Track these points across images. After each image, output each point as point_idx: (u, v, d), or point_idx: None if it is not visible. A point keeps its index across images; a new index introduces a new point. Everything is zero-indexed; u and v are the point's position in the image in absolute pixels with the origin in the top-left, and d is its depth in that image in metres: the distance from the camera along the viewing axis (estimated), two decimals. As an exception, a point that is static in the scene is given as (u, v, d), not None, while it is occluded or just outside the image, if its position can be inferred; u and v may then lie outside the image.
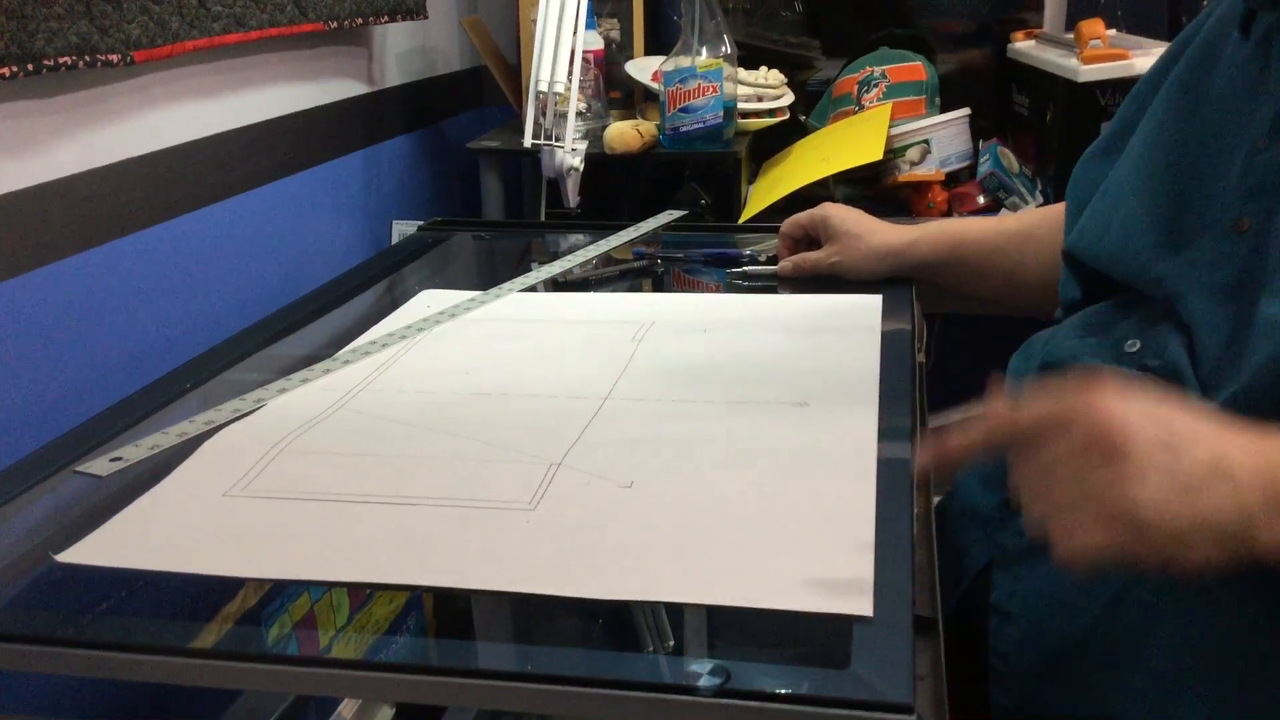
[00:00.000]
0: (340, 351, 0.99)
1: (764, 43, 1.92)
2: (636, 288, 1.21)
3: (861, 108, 1.71)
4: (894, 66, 1.72)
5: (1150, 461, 0.57)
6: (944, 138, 1.64)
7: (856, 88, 1.72)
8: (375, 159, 1.62)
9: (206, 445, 0.81)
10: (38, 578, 0.68)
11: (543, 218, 1.53)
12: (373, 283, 1.25)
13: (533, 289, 1.17)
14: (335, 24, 1.40)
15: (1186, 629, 0.69)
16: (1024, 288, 1.05)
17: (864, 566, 0.62)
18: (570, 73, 1.44)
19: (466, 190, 1.88)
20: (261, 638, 0.62)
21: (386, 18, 1.55)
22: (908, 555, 0.63)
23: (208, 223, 1.22)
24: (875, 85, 1.71)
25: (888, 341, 0.97)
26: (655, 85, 1.63)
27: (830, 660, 0.56)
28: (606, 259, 1.28)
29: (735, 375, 0.91)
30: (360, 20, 1.47)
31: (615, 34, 1.78)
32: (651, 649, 0.59)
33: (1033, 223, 1.06)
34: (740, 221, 1.53)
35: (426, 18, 1.68)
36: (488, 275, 1.31)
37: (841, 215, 1.13)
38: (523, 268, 1.26)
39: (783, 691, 0.53)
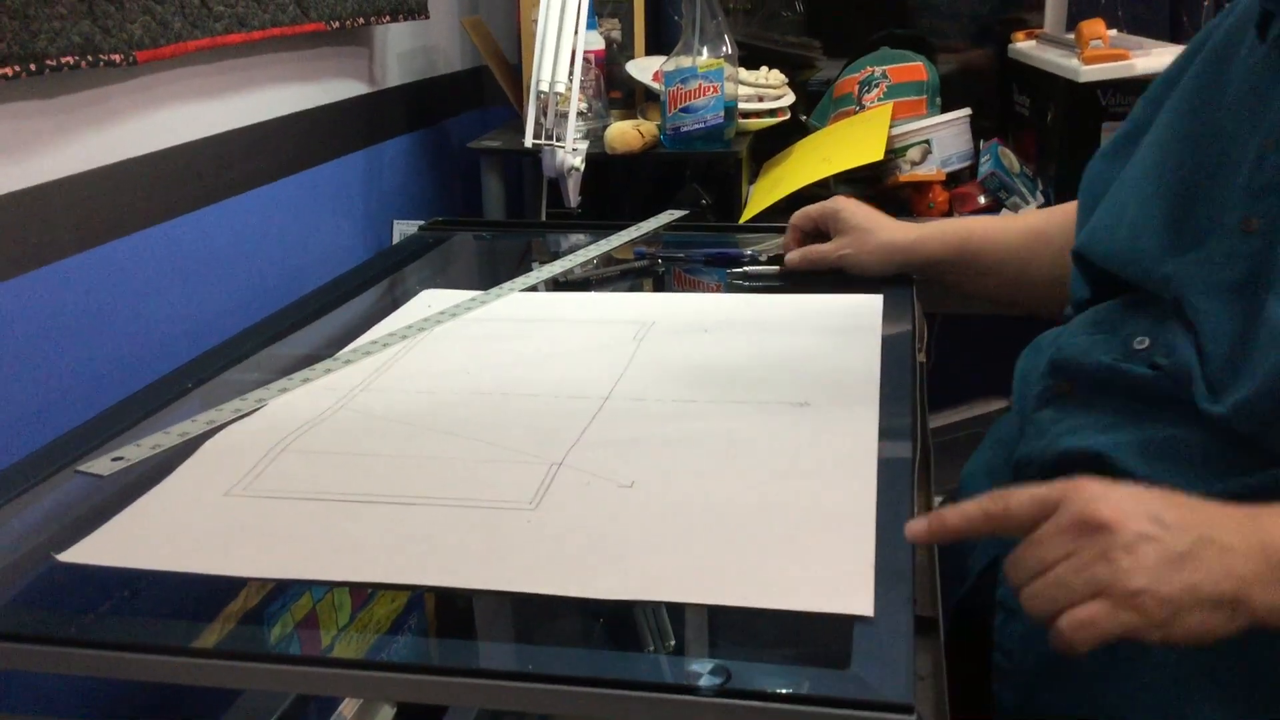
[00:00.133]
0: (341, 351, 0.99)
1: (765, 43, 1.92)
2: (637, 288, 1.22)
3: (862, 108, 1.71)
4: (895, 66, 1.72)
5: (1138, 534, 0.58)
6: (945, 138, 1.64)
7: (857, 88, 1.72)
8: (376, 159, 1.62)
9: (208, 445, 0.81)
10: (39, 577, 0.68)
11: (544, 217, 1.53)
12: (374, 282, 1.25)
13: (534, 289, 1.17)
14: (337, 24, 1.40)
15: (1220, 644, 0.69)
16: (1033, 287, 1.05)
17: (864, 566, 0.62)
18: (571, 73, 1.44)
19: (467, 190, 1.88)
20: (264, 637, 0.62)
21: (388, 17, 1.55)
22: (908, 555, 0.63)
23: (209, 222, 1.22)
24: (876, 85, 1.71)
25: (888, 341, 0.97)
26: (656, 85, 1.63)
27: (831, 660, 0.56)
28: (607, 259, 1.28)
29: (736, 375, 0.91)
30: (362, 20, 1.47)
31: (616, 34, 1.78)
32: (652, 649, 0.59)
33: (1043, 222, 1.06)
34: (741, 221, 1.53)
35: (428, 17, 1.68)
36: (489, 275, 1.31)
37: (852, 209, 1.13)
38: (524, 267, 1.26)
39: (783, 691, 0.53)
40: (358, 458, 0.79)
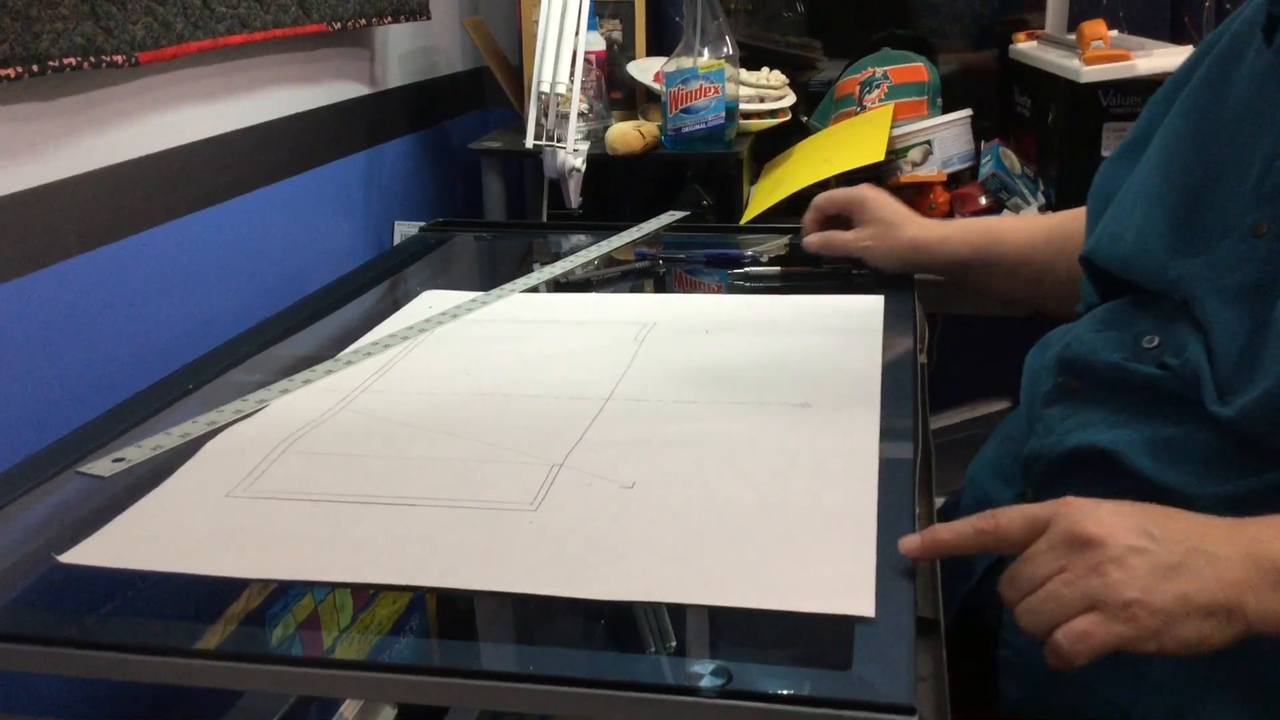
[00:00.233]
0: (342, 352, 0.99)
1: (766, 43, 1.92)
2: (638, 288, 1.22)
3: (863, 108, 1.71)
4: (896, 67, 1.72)
5: (1127, 546, 0.59)
6: (946, 138, 1.64)
7: (858, 88, 1.72)
8: (377, 160, 1.62)
9: (209, 446, 0.81)
10: (40, 578, 0.68)
11: (544, 218, 1.53)
12: (375, 283, 1.25)
13: (535, 290, 1.17)
14: (339, 25, 1.40)
15: None
16: (1053, 287, 1.04)
17: (865, 567, 0.62)
18: (572, 73, 1.44)
19: (468, 191, 1.88)
20: (265, 638, 0.62)
21: (390, 18, 1.55)
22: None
23: (210, 224, 1.22)
24: (877, 86, 1.71)
25: (889, 342, 0.97)
26: (657, 86, 1.63)
27: (832, 661, 0.56)
28: (608, 260, 1.28)
29: (737, 376, 0.91)
30: (364, 21, 1.47)
31: (617, 35, 1.78)
32: (653, 650, 0.59)
33: (1066, 222, 1.05)
34: (742, 222, 1.53)
35: (429, 18, 1.68)
36: (489, 276, 1.31)
37: (879, 200, 1.12)
38: (524, 268, 1.26)
39: (784, 692, 0.53)
40: (359, 459, 0.79)
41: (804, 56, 1.95)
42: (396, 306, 1.13)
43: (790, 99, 1.73)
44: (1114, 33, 1.57)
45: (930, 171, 1.63)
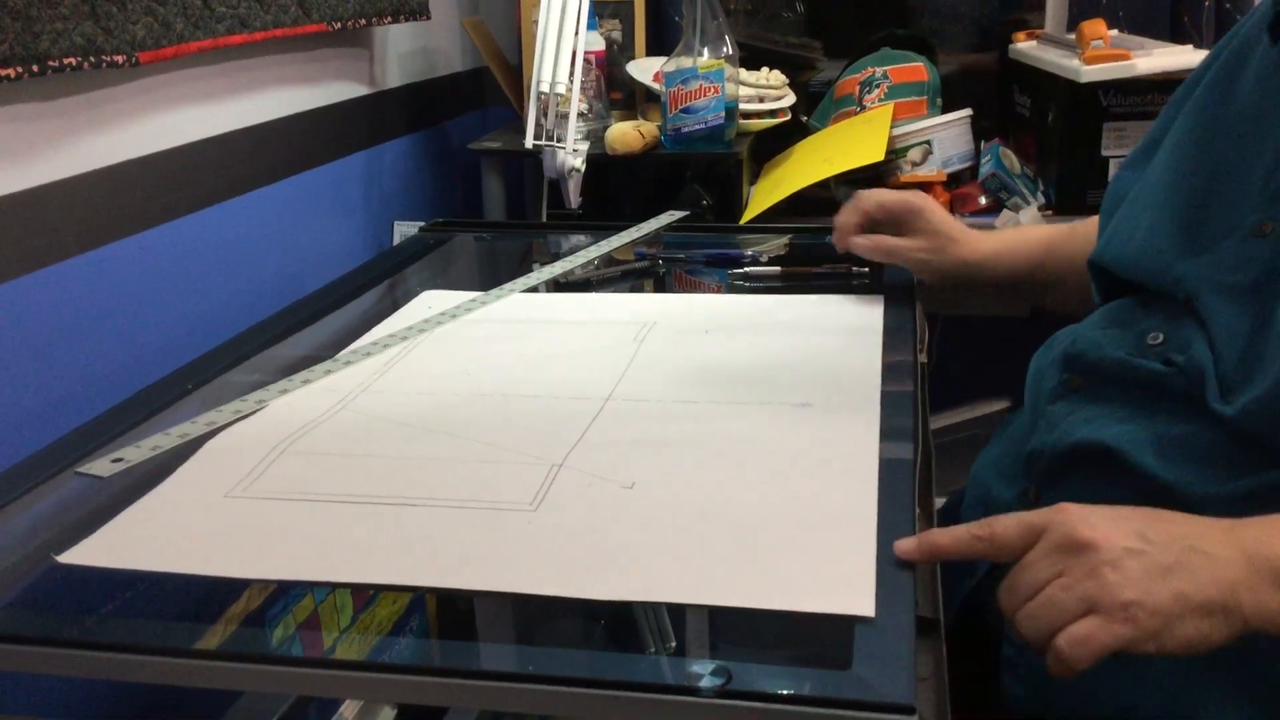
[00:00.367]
0: (341, 352, 0.99)
1: (765, 43, 1.92)
2: (638, 288, 1.21)
3: (863, 108, 1.71)
4: (895, 67, 1.72)
5: (1123, 549, 0.59)
6: (946, 138, 1.64)
7: (858, 88, 1.72)
8: (377, 160, 1.62)
9: (208, 446, 0.81)
10: (39, 578, 0.68)
11: (544, 218, 1.53)
12: (374, 284, 1.25)
13: (534, 290, 1.17)
14: (339, 25, 1.40)
15: None
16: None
17: (865, 567, 0.62)
18: (571, 73, 1.44)
19: (468, 191, 1.88)
20: (266, 639, 0.62)
21: (390, 18, 1.55)
22: (909, 556, 0.63)
23: (209, 224, 1.22)
24: (877, 86, 1.71)
25: (889, 342, 0.97)
26: (657, 86, 1.63)
27: (832, 661, 0.56)
28: (608, 260, 1.28)
29: (737, 376, 0.91)
30: (364, 21, 1.47)
31: (616, 35, 1.78)
32: (653, 650, 0.59)
33: None
34: (742, 222, 1.53)
35: (429, 18, 1.68)
36: (489, 276, 1.31)
37: (935, 210, 1.08)
38: (524, 268, 1.26)
39: (784, 692, 0.53)
40: (358, 459, 0.79)
41: (804, 56, 1.94)
42: (396, 307, 1.13)
43: (790, 99, 1.73)
44: (1114, 32, 1.57)
45: (930, 171, 1.63)
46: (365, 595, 0.63)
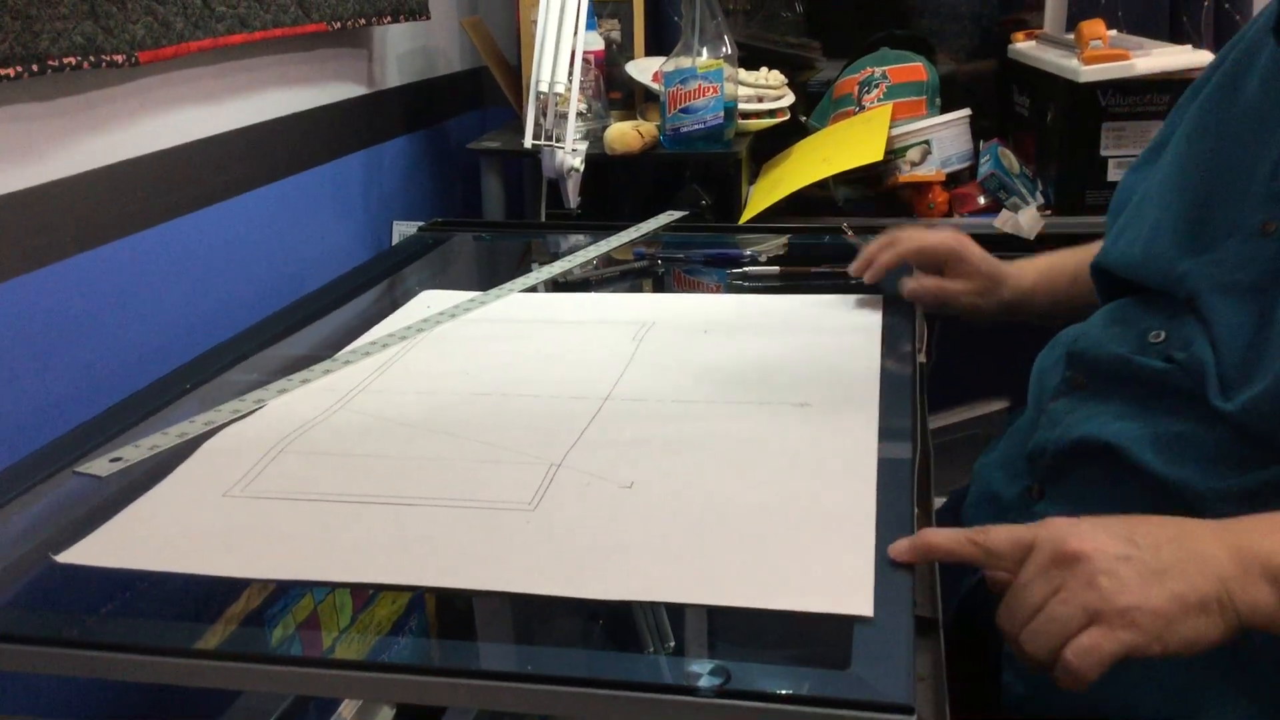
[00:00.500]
0: (340, 352, 0.99)
1: (764, 43, 1.92)
2: (637, 288, 1.21)
3: (862, 108, 1.71)
4: (895, 67, 1.72)
5: (1115, 556, 0.60)
6: (945, 138, 1.64)
7: (857, 88, 1.72)
8: (376, 159, 1.62)
9: (206, 446, 0.81)
10: (37, 578, 0.68)
11: (543, 218, 1.53)
12: (373, 283, 1.25)
13: (533, 289, 1.17)
14: (338, 24, 1.40)
15: None
16: None
17: (864, 567, 0.62)
18: (571, 73, 1.44)
19: (467, 191, 1.88)
20: (265, 639, 0.62)
21: (389, 18, 1.55)
22: (908, 556, 0.63)
23: (208, 224, 1.22)
24: (876, 86, 1.71)
25: (888, 341, 0.97)
26: (656, 86, 1.63)
27: (831, 661, 0.56)
28: (607, 259, 1.28)
29: (736, 376, 0.91)
30: (363, 21, 1.47)
31: (616, 34, 1.78)
32: (652, 649, 0.59)
33: None
34: (741, 222, 1.53)
35: (429, 18, 1.68)
36: (488, 276, 1.31)
37: (974, 252, 1.06)
38: (523, 268, 1.26)
39: (783, 692, 0.53)
40: (357, 458, 0.79)
41: (802, 56, 1.95)
42: (395, 306, 1.13)
43: (789, 99, 1.73)
44: (1113, 32, 1.57)
45: (929, 171, 1.63)
46: (364, 595, 0.63)
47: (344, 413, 0.86)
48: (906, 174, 1.63)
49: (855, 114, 1.71)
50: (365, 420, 0.85)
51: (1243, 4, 1.76)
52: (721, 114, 1.53)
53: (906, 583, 0.61)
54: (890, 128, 1.61)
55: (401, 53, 1.71)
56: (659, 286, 1.23)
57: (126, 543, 0.68)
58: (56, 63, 0.95)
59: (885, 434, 0.79)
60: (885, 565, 0.62)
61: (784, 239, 1.35)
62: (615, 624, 0.61)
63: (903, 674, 0.54)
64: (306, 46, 1.42)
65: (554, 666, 0.56)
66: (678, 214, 1.41)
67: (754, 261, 1.22)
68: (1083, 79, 1.48)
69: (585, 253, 1.27)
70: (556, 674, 0.55)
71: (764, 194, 1.58)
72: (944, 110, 1.70)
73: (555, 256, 1.29)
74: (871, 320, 1.02)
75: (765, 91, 1.71)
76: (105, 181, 1.06)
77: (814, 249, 1.34)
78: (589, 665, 0.58)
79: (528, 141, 1.44)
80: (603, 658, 0.60)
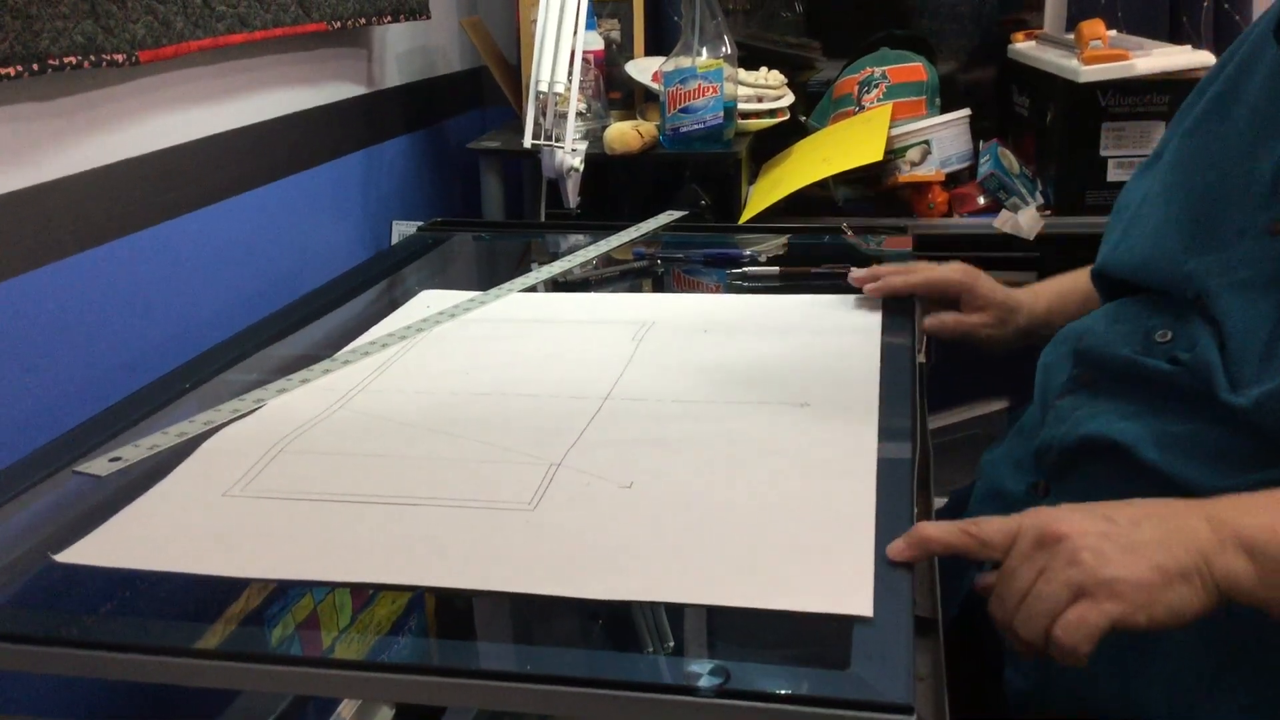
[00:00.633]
0: (340, 352, 0.99)
1: (764, 43, 1.92)
2: (637, 288, 1.21)
3: (862, 108, 1.71)
4: (894, 67, 1.72)
5: (1096, 533, 0.62)
6: (944, 138, 1.64)
7: (857, 88, 1.72)
8: (375, 159, 1.62)
9: (206, 445, 0.81)
10: (36, 577, 0.68)
11: (543, 218, 1.53)
12: (372, 283, 1.25)
13: (533, 289, 1.17)
14: (338, 24, 1.40)
15: (1220, 622, 0.69)
16: None
17: (864, 567, 0.62)
18: (570, 73, 1.44)
19: (466, 190, 1.88)
20: (264, 638, 0.62)
21: (389, 18, 1.55)
22: (908, 556, 0.63)
23: (208, 223, 1.22)
24: (876, 86, 1.71)
25: (888, 342, 0.97)
26: (655, 86, 1.63)
27: (830, 661, 0.56)
28: (607, 259, 1.28)
29: (735, 376, 0.91)
30: (364, 20, 1.47)
31: (615, 34, 1.78)
32: (651, 649, 0.59)
33: None
34: (740, 222, 1.53)
35: (429, 18, 1.68)
36: (488, 275, 1.31)
37: (985, 283, 1.07)
38: (523, 268, 1.26)
39: (783, 692, 0.53)
40: (356, 458, 0.79)
41: (802, 56, 1.95)
42: (394, 306, 1.13)
43: (788, 99, 1.73)
44: (1112, 32, 1.57)
45: (929, 171, 1.63)
46: (364, 595, 0.63)
47: (343, 412, 0.86)
48: (906, 174, 1.63)
49: (855, 114, 1.71)
50: (365, 420, 0.85)
51: (1243, 4, 1.76)
52: (721, 114, 1.53)
53: (906, 583, 0.61)
54: (890, 128, 1.61)
55: (401, 52, 1.71)
56: (659, 286, 1.23)
57: (126, 542, 0.68)
58: (57, 62, 0.95)
59: (885, 434, 0.79)
60: (885, 565, 0.62)
61: (784, 239, 1.35)
62: (615, 624, 0.61)
63: (902, 674, 0.54)
64: (306, 46, 1.42)
65: (553, 666, 0.56)
66: (677, 214, 1.41)
67: (754, 261, 1.22)
68: (1083, 79, 1.48)
69: (585, 252, 1.27)
70: (556, 674, 0.55)
71: (764, 194, 1.58)
72: (944, 110, 1.70)
73: (555, 256, 1.29)
74: (871, 320, 1.02)
75: (765, 91, 1.71)
76: (105, 181, 1.06)
77: (814, 249, 1.34)
78: (588, 665, 0.58)
79: (527, 141, 1.44)
80: (602, 658, 0.60)
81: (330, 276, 1.26)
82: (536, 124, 1.44)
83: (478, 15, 1.93)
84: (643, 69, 1.73)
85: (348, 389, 0.91)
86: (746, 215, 1.55)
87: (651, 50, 1.80)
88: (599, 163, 1.55)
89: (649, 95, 1.72)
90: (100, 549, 0.68)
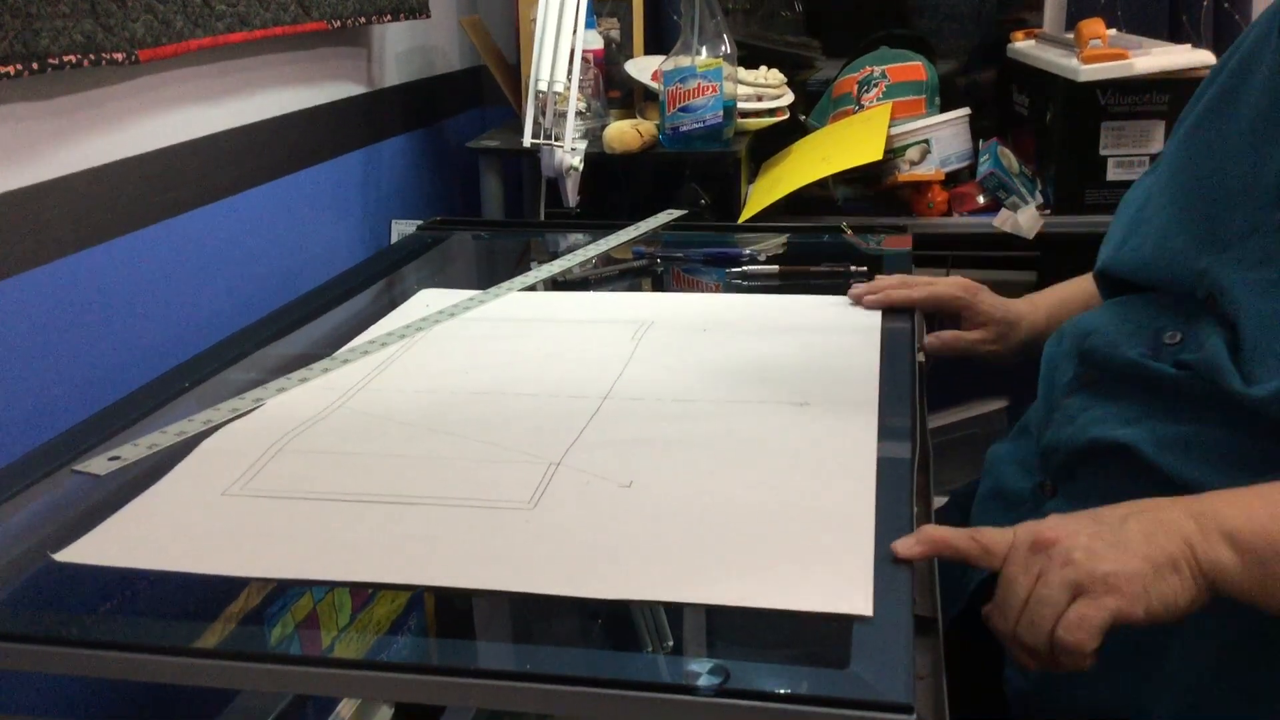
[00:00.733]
0: (339, 351, 0.99)
1: (764, 42, 1.92)
2: (636, 287, 1.21)
3: (861, 107, 1.71)
4: (894, 66, 1.72)
5: (1085, 533, 0.63)
6: (944, 137, 1.64)
7: (856, 87, 1.72)
8: (375, 158, 1.62)
9: (205, 444, 0.81)
10: (35, 577, 0.68)
11: (542, 217, 1.53)
12: (372, 282, 1.25)
13: (532, 288, 1.17)
14: (338, 23, 1.40)
15: (1223, 622, 0.69)
16: None
17: (864, 566, 0.62)
18: (570, 72, 1.44)
19: (466, 190, 1.88)
20: (264, 638, 0.62)
21: (389, 16, 1.55)
22: (907, 555, 0.63)
23: (207, 222, 1.22)
24: (875, 85, 1.71)
25: (888, 341, 0.97)
26: (655, 85, 1.62)
27: (830, 660, 0.56)
28: (606, 258, 1.28)
29: (735, 375, 0.91)
30: (363, 19, 1.47)
31: (615, 33, 1.78)
32: (651, 649, 0.59)
33: None
34: (740, 221, 1.53)
35: (429, 17, 1.68)
36: (487, 275, 1.31)
37: (986, 299, 1.07)
38: (522, 267, 1.26)
39: (782, 691, 0.53)
40: (356, 457, 0.78)
41: (802, 55, 1.95)
42: (394, 305, 1.13)
43: (788, 98, 1.73)
44: (1112, 32, 1.57)
45: (928, 170, 1.63)
46: (364, 594, 0.63)
47: (343, 411, 0.86)
48: (906, 173, 1.63)
49: (854, 113, 1.71)
50: (364, 419, 0.85)
51: (1243, 4, 1.76)
52: (721, 113, 1.53)
53: (906, 582, 0.61)
54: (889, 127, 1.61)
55: (401, 51, 1.71)
56: (658, 285, 1.23)
57: (125, 541, 0.68)
58: (57, 61, 0.95)
59: (885, 433, 0.79)
60: (885, 564, 0.62)
61: (783, 238, 1.35)
62: (614, 623, 0.61)
63: (902, 673, 0.54)
64: (306, 45, 1.42)
65: (553, 666, 0.56)
66: (677, 213, 1.41)
67: (753, 261, 1.22)
68: (1082, 78, 1.48)
69: (584, 252, 1.27)
70: (555, 673, 0.55)
71: (763, 193, 1.58)
72: (943, 109, 1.70)
73: (554, 255, 1.29)
74: (871, 320, 1.02)
75: (764, 90, 1.71)
76: (105, 179, 1.06)
77: (813, 248, 1.34)
78: (588, 664, 0.58)
79: (527, 140, 1.44)
80: (602, 657, 0.60)
81: (330, 275, 1.26)
82: (536, 123, 1.43)
83: (477, 14, 1.93)
84: (642, 68, 1.73)
85: (347, 388, 0.91)
86: (746, 214, 1.55)
87: (651, 49, 1.80)
88: (598, 162, 1.55)
89: (648, 94, 1.72)
90: (99, 548, 0.68)
